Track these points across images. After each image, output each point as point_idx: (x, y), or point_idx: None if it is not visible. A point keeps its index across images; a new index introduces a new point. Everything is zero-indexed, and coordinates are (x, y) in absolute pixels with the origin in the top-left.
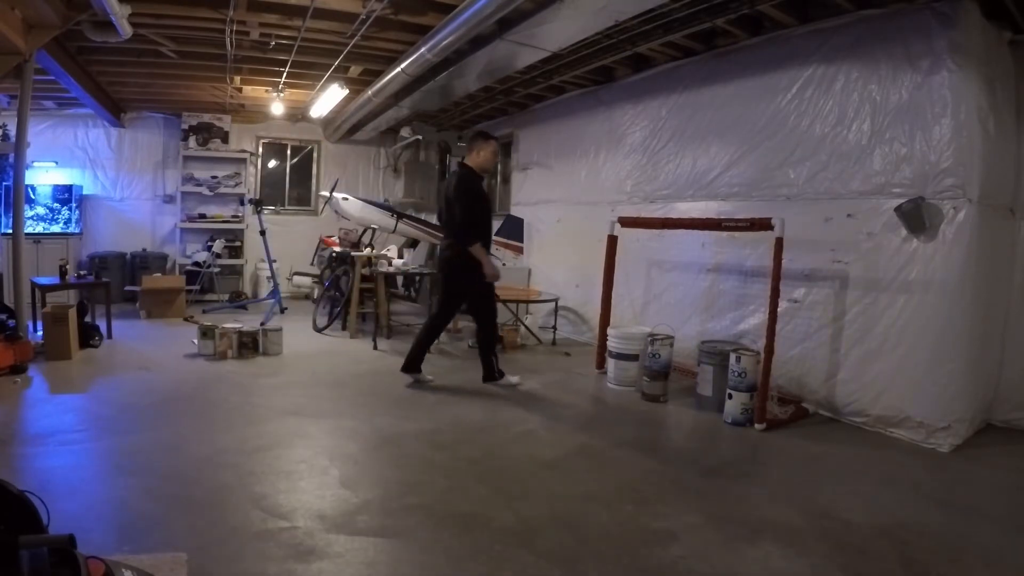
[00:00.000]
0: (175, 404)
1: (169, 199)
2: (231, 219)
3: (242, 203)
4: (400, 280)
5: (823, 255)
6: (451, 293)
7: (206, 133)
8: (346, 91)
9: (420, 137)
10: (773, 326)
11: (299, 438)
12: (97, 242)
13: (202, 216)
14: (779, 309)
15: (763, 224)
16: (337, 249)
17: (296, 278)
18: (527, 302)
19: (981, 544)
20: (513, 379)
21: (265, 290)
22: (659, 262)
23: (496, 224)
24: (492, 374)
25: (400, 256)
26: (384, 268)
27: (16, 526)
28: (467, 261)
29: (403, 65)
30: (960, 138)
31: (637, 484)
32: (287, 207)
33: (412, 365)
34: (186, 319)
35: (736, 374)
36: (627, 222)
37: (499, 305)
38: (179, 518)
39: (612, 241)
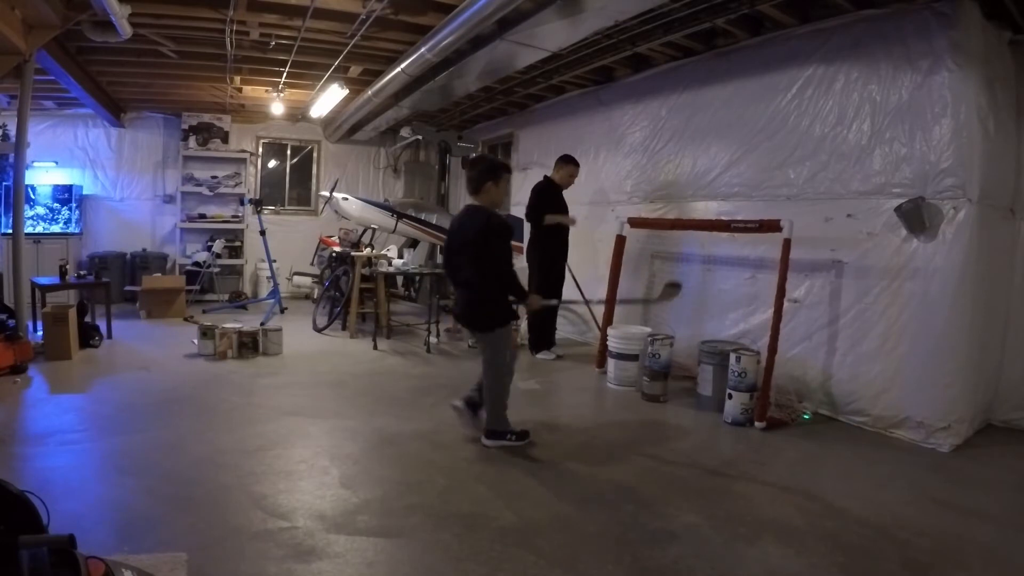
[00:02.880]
0: (175, 404)
1: (169, 199)
2: (231, 219)
3: (242, 203)
4: (400, 280)
5: (823, 255)
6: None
7: (206, 133)
8: (346, 91)
9: (420, 137)
10: (778, 324)
11: (299, 438)
12: (97, 242)
13: (202, 216)
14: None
15: (772, 226)
16: (337, 249)
17: (296, 278)
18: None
19: (981, 544)
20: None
21: (265, 290)
22: (659, 262)
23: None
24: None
25: (400, 256)
26: (384, 268)
27: (16, 526)
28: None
29: (403, 65)
30: (960, 138)
31: (637, 484)
32: (287, 207)
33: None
34: (186, 319)
35: (736, 374)
36: (636, 222)
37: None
38: (179, 518)
39: (620, 241)
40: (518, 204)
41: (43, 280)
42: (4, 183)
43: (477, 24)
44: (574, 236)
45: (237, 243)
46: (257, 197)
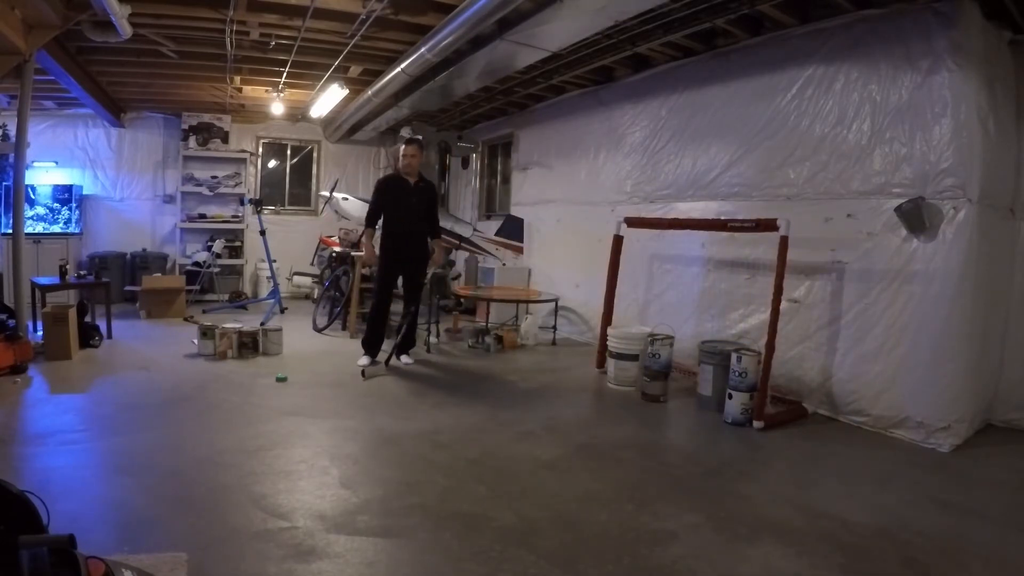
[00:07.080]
0: (175, 404)
1: (169, 199)
2: (231, 219)
3: (242, 203)
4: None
5: (823, 255)
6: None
7: (206, 133)
8: (346, 91)
9: (420, 137)
10: (775, 324)
11: (299, 438)
12: (97, 242)
13: (202, 216)
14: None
15: (768, 225)
16: (337, 249)
17: (296, 278)
18: (527, 302)
19: (981, 544)
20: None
21: (265, 290)
22: (659, 262)
23: (495, 224)
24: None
25: None
26: None
27: (16, 526)
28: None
29: (403, 65)
30: (960, 138)
31: (637, 484)
32: (287, 207)
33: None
34: (186, 319)
35: (737, 374)
36: (633, 222)
37: (501, 305)
38: (179, 518)
39: (618, 241)
40: (518, 204)
41: (43, 280)
42: (4, 183)
43: (477, 24)
44: (575, 235)
45: (237, 243)
46: (257, 197)
